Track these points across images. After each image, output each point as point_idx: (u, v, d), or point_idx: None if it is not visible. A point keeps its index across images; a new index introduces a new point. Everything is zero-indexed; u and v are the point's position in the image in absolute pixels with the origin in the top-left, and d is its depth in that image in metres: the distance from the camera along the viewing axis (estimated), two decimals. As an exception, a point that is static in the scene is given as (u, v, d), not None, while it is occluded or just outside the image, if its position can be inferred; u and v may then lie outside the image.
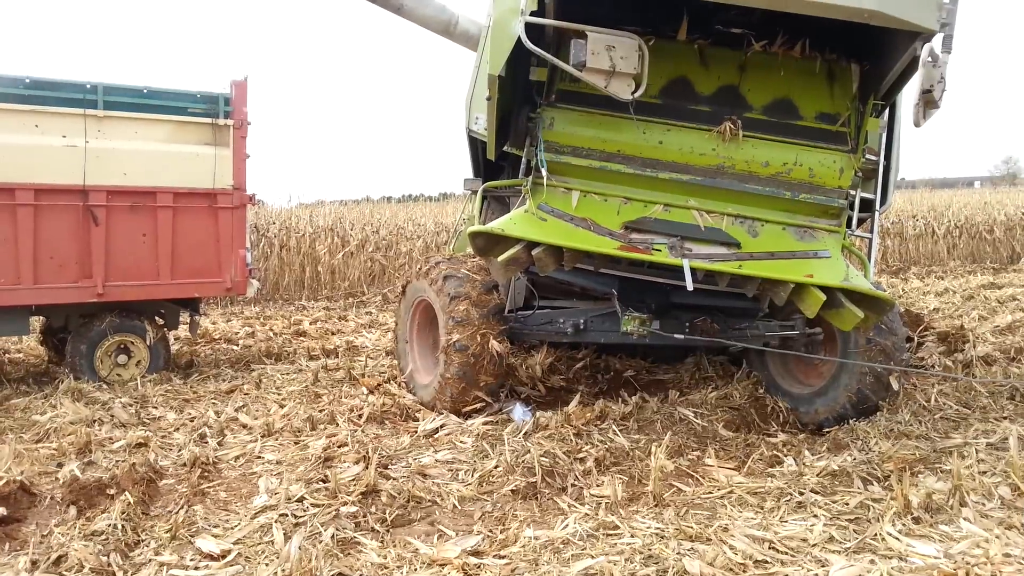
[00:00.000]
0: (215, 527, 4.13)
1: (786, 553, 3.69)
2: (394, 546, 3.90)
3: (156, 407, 6.51)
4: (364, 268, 13.71)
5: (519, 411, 6.07)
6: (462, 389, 5.98)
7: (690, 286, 4.68)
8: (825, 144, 5.03)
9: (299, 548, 3.73)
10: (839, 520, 4.06)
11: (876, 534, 3.83)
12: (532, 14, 4.37)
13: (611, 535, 3.94)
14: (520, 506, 4.48)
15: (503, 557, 3.74)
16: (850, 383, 5.91)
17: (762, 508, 4.26)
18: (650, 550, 3.71)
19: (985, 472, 4.59)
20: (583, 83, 5.03)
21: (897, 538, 3.77)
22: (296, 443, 5.53)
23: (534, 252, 4.86)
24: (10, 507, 4.27)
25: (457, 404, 6.02)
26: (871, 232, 5.47)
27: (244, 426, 5.88)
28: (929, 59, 4.20)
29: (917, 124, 4.40)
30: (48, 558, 3.68)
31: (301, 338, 9.71)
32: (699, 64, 5.11)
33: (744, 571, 3.52)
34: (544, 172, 4.94)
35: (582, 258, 5.07)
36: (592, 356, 7.38)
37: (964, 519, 3.98)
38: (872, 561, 3.56)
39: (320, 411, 6.10)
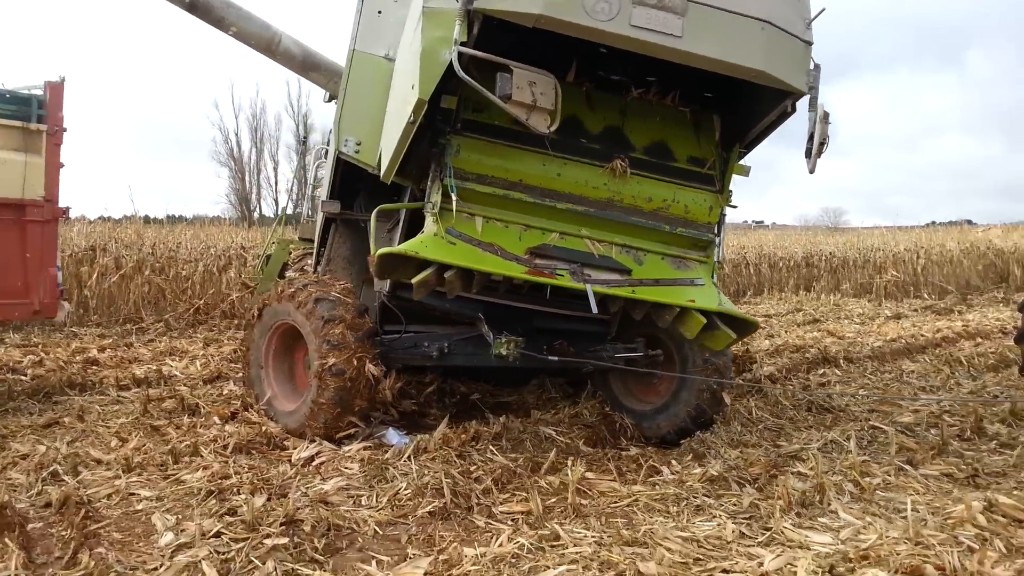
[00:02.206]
0: (134, 569, 3.75)
1: (714, 550, 4.10)
2: (345, 574, 3.80)
3: (-36, 445, 5.65)
4: (140, 292, 12.62)
5: (393, 435, 6.05)
6: (336, 415, 5.84)
7: (595, 309, 5.02)
8: (697, 184, 5.64)
9: (250, 584, 3.52)
10: (738, 519, 4.56)
11: (775, 528, 4.37)
12: (461, 44, 4.51)
13: (555, 546, 4.12)
14: (442, 527, 4.51)
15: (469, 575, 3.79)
16: (689, 399, 6.56)
17: (669, 513, 4.67)
18: (599, 556, 3.95)
19: (827, 471, 5.36)
20: (487, 114, 5.25)
21: (793, 530, 4.33)
22: (167, 477, 5.10)
23: (446, 275, 4.95)
24: None
25: (330, 430, 5.87)
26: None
27: (98, 461, 5.29)
28: (822, 116, 4.92)
29: (812, 172, 5.11)
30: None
31: (95, 367, 8.78)
32: (586, 105, 5.52)
33: (688, 569, 3.87)
34: (454, 197, 5.06)
35: (485, 281, 5.23)
36: (438, 380, 7.51)
37: (832, 511, 4.66)
38: (784, 551, 4.07)
39: (180, 443, 5.65)
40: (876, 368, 9.91)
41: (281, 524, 4.24)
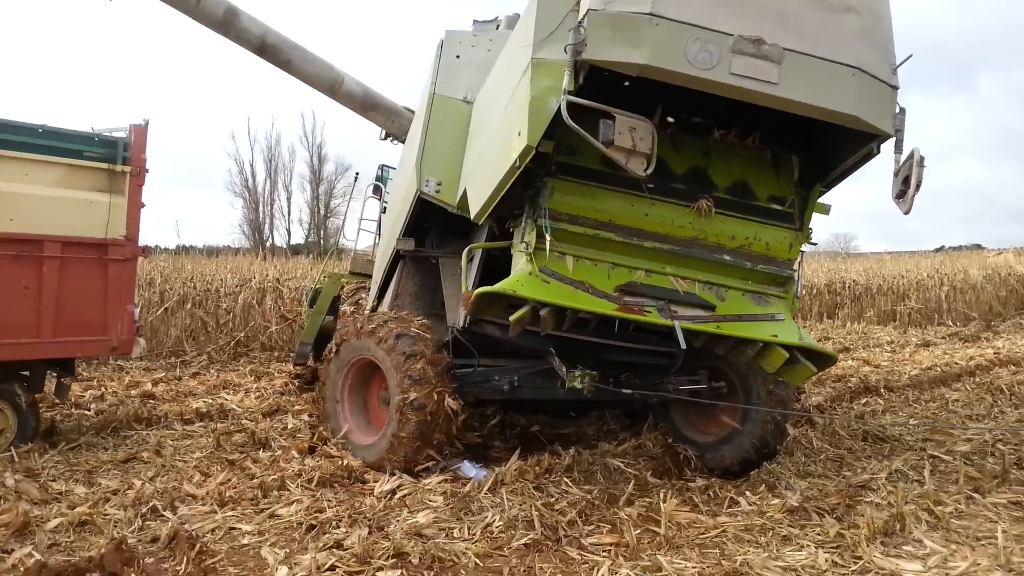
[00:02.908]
0: (264, 604, 3.89)
1: (815, 579, 4.23)
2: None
3: (54, 480, 5.81)
4: (184, 325, 12.81)
5: (470, 468, 6.18)
6: (416, 448, 5.99)
7: (683, 344, 5.18)
8: (778, 222, 5.82)
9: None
10: (826, 548, 4.70)
11: (866, 558, 4.49)
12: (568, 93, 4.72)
13: (661, 577, 4.25)
14: (539, 559, 4.64)
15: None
16: (754, 430, 6.69)
17: (759, 543, 4.80)
18: (708, 586, 4.09)
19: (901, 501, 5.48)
20: (578, 156, 5.45)
21: (883, 559, 4.46)
22: (260, 511, 5.24)
23: (541, 313, 5.12)
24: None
25: (410, 463, 6.01)
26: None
27: (192, 496, 5.44)
28: (919, 160, 5.10)
29: (907, 212, 5.27)
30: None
31: (153, 400, 8.95)
32: (671, 147, 5.71)
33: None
34: (548, 238, 5.24)
35: (576, 318, 5.39)
36: (500, 413, 7.66)
37: (915, 540, 4.79)
38: (881, 580, 4.20)
39: (268, 478, 5.79)
40: (918, 396, 10.03)
41: (390, 557, 4.39)
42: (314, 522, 4.95)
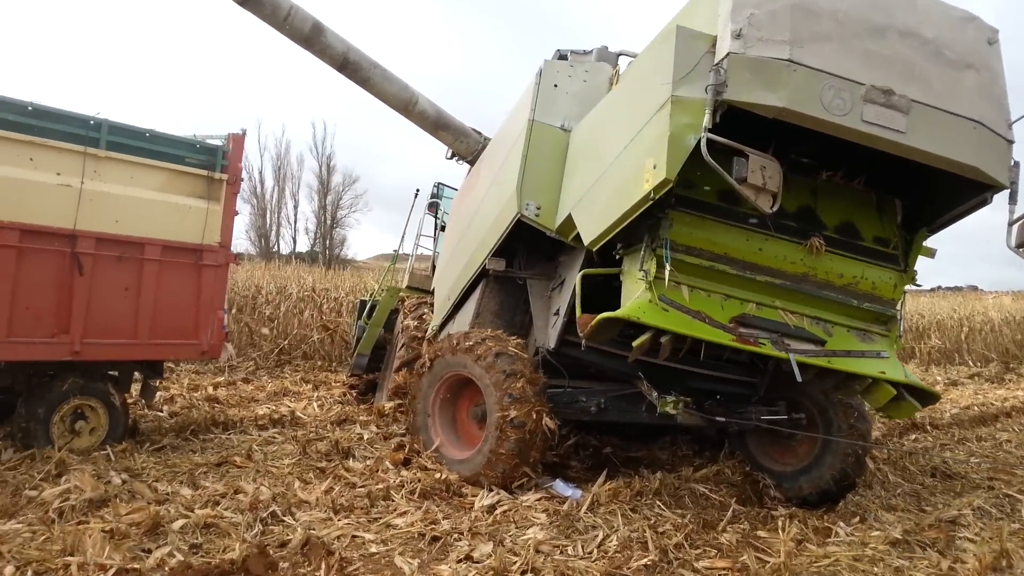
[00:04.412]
0: (417, 612, 3.96)
1: (941, 612, 4.33)
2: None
3: (157, 480, 5.86)
4: (231, 331, 12.86)
5: (563, 487, 6.25)
6: (514, 465, 6.07)
7: (798, 377, 5.29)
8: (883, 263, 5.97)
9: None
10: (941, 582, 4.79)
11: (982, 592, 4.59)
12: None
13: (794, 603, 4.34)
14: (660, 581, 4.73)
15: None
16: (834, 462, 6.78)
17: (873, 573, 4.89)
18: (841, 614, 4.17)
19: (992, 537, 5.59)
20: (695, 190, 5.59)
21: (999, 595, 4.56)
22: (373, 520, 5.31)
23: (662, 340, 5.24)
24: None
25: (507, 479, 6.09)
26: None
27: (305, 502, 5.50)
28: None
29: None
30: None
31: (218, 404, 9.01)
32: (783, 186, 5.85)
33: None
34: (668, 267, 5.36)
35: (689, 347, 5.51)
36: (575, 434, 7.75)
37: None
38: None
39: (373, 487, 5.86)
40: (963, 435, 10.15)
41: (524, 573, 4.46)
42: (436, 534, 5.02)
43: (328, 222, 55.85)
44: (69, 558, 4.18)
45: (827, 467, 6.80)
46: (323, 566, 4.40)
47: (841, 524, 5.93)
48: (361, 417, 8.77)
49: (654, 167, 5.01)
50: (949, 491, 7.19)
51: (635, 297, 5.40)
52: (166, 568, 4.26)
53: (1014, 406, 12.67)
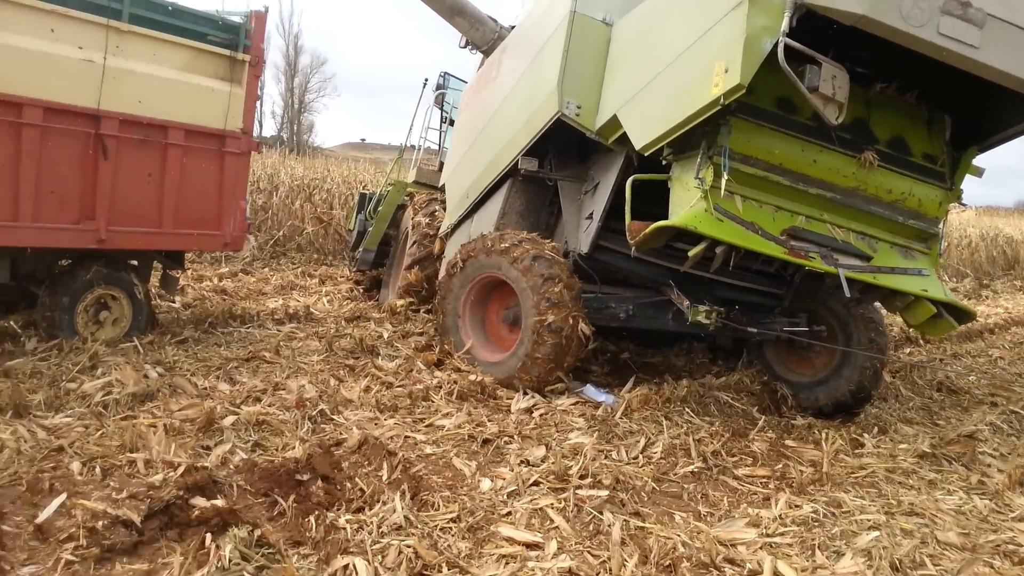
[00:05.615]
0: (490, 513, 3.99)
1: (986, 522, 4.49)
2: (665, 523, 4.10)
3: (192, 375, 5.78)
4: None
5: (595, 392, 6.30)
6: (549, 369, 6.09)
7: (847, 292, 5.30)
8: (931, 180, 5.92)
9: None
10: (975, 495, 4.96)
11: (1014, 505, 4.77)
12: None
13: (845, 513, 4.46)
14: (709, 487, 4.82)
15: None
16: (852, 375, 6.93)
17: (910, 485, 5.05)
18: (889, 524, 4.31)
19: (1011, 452, 5.80)
20: (753, 96, 5.42)
21: (1036, 508, 4.75)
22: (418, 421, 5.31)
23: (717, 250, 5.19)
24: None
25: (541, 383, 6.12)
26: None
27: (349, 401, 5.47)
28: None
29: None
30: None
31: (227, 296, 8.86)
32: None
33: (982, 536, 4.25)
34: (725, 176, 5.25)
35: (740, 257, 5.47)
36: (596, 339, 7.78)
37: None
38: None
39: (413, 387, 5.85)
40: (955, 350, 10.46)
41: (580, 476, 4.52)
42: (486, 436, 5.05)
43: (296, 106, 54.32)
44: (133, 454, 4.12)
45: (845, 379, 6.95)
46: (385, 466, 4.39)
47: (866, 436, 6.10)
48: (374, 314, 8.70)
49: (726, 71, 4.82)
50: (956, 406, 7.41)
51: (690, 206, 5.31)
52: (230, 466, 4.22)
53: (996, 323, 13.04)
